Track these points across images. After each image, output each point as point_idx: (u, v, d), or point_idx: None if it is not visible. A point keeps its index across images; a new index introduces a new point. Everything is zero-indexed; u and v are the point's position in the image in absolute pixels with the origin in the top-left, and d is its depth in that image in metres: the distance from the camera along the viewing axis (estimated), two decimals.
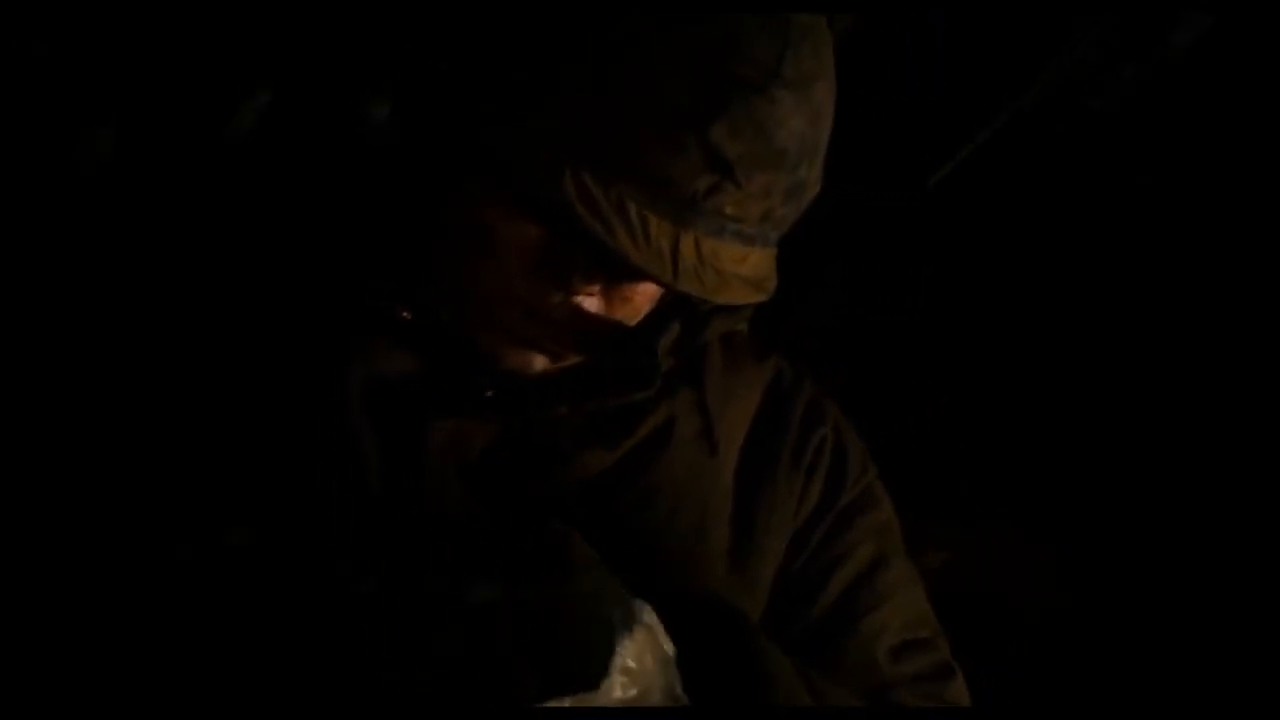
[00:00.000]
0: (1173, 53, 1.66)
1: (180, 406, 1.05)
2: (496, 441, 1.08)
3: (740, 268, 1.00)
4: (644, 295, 1.05)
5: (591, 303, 1.03)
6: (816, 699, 1.05)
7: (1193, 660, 1.77)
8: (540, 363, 1.06)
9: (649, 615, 0.89)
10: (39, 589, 1.00)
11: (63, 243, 1.16)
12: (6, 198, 1.40)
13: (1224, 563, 1.78)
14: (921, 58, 1.65)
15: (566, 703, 0.84)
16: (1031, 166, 1.79)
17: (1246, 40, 1.64)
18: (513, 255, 1.01)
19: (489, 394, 1.08)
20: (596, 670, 0.85)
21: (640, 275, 0.99)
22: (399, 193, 1.09)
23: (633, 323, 1.07)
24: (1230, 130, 1.72)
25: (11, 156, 1.45)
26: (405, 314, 1.07)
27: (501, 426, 1.08)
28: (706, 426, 1.14)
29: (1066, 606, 1.82)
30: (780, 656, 1.05)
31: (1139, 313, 1.84)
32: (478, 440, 1.07)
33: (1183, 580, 1.79)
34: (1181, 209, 1.79)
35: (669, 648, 0.90)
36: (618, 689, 0.86)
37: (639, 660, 0.87)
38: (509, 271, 1.01)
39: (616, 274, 1.02)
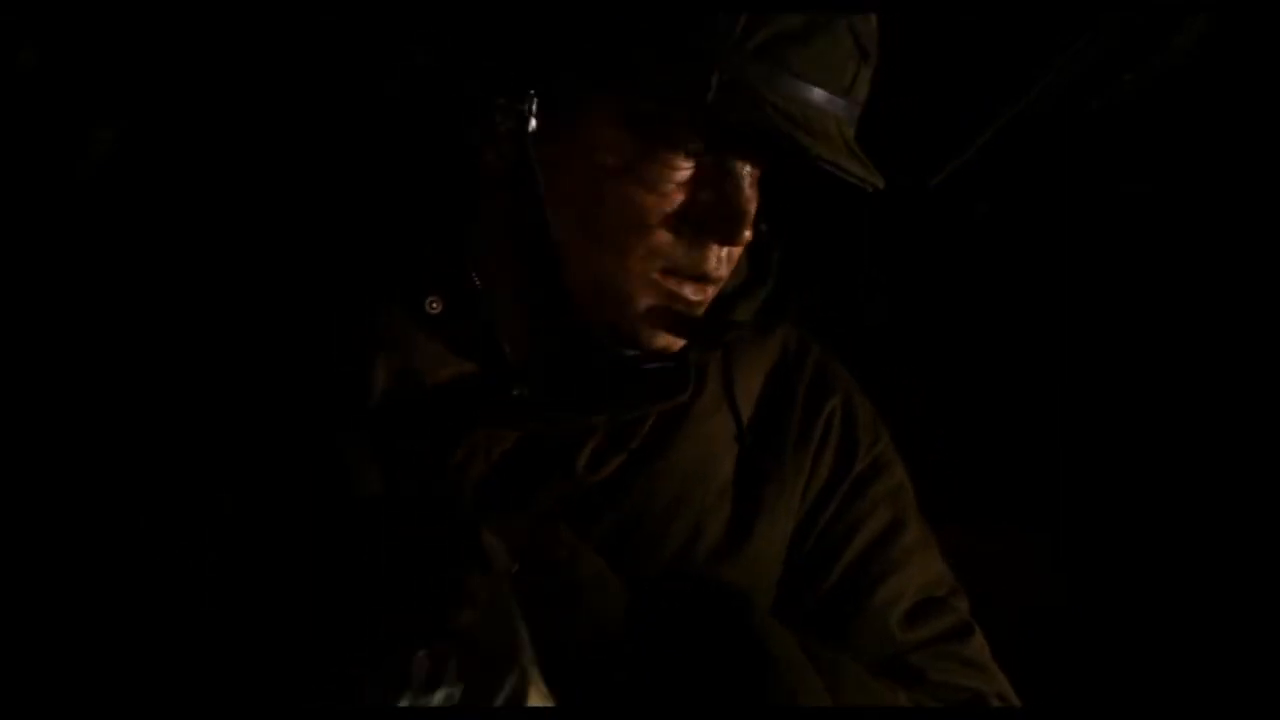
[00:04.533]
0: (1174, 55, 1.66)
1: (186, 419, 1.04)
2: (519, 446, 1.09)
3: (855, 145, 1.05)
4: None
5: (723, 254, 1.06)
6: (827, 675, 1.05)
7: (1189, 654, 1.78)
8: (677, 340, 1.08)
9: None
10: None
11: (63, 244, 1.16)
12: (7, 200, 1.40)
13: (1221, 557, 1.78)
14: (920, 58, 1.65)
15: None
16: (1031, 167, 1.80)
17: (1248, 43, 1.64)
18: (660, 221, 1.03)
19: (517, 393, 1.08)
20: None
21: (811, 180, 1.01)
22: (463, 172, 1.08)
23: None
24: (1230, 134, 1.73)
25: (11, 159, 1.45)
26: (435, 304, 1.08)
27: (527, 430, 1.09)
28: (734, 418, 1.16)
29: (1061, 602, 1.83)
30: (785, 635, 1.05)
31: (1135, 310, 1.84)
32: (502, 444, 1.08)
33: (1179, 573, 1.80)
34: (1180, 210, 1.80)
35: None
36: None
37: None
38: (656, 241, 1.03)
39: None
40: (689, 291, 1.06)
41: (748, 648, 1.01)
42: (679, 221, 1.04)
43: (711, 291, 1.08)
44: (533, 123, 1.02)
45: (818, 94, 1.00)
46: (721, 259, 1.06)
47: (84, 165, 1.43)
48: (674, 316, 1.06)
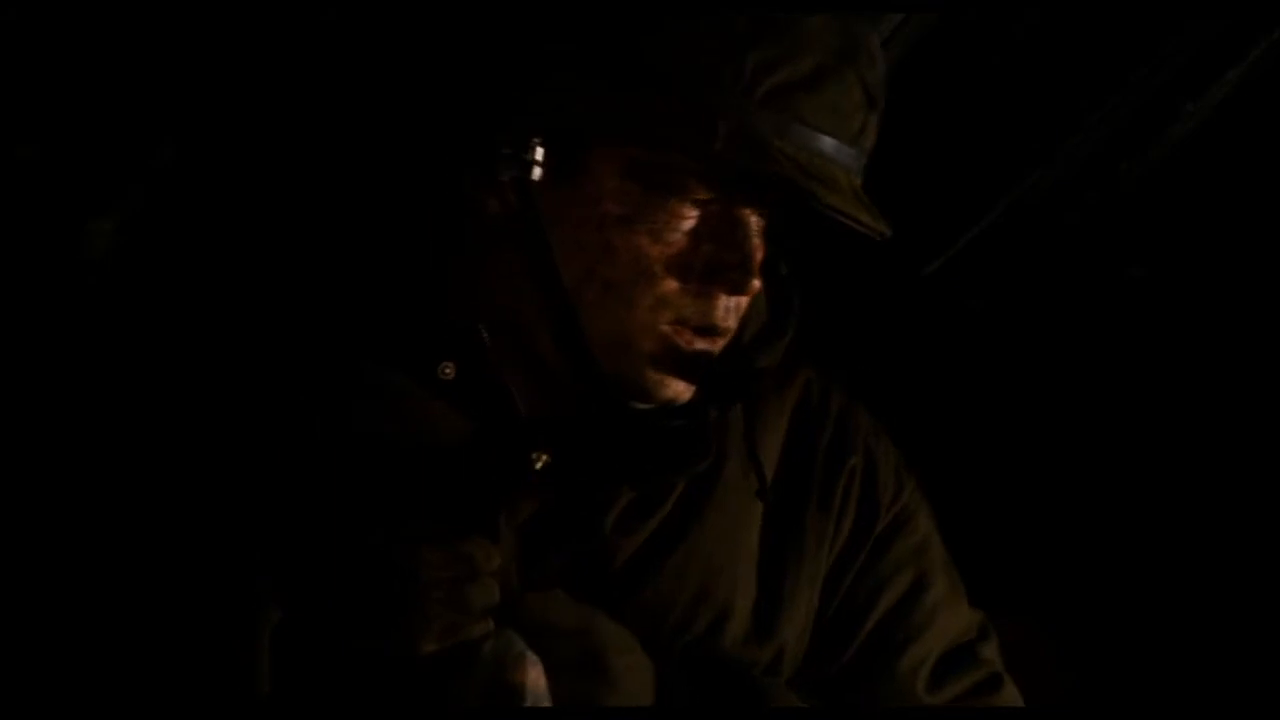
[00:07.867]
0: (1171, 143, 1.67)
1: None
2: (538, 516, 1.07)
3: (862, 194, 1.04)
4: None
5: (731, 305, 1.05)
6: None
7: None
8: (686, 389, 1.06)
9: None
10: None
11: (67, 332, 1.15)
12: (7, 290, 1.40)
13: (1232, 653, 1.76)
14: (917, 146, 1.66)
15: None
16: (1026, 257, 1.80)
17: (1244, 130, 1.66)
18: (667, 271, 1.02)
19: (538, 461, 1.06)
20: None
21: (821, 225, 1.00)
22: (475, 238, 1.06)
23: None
24: (1228, 220, 1.74)
25: (11, 251, 1.44)
26: (448, 370, 1.06)
27: (545, 499, 1.07)
28: (758, 480, 1.15)
29: (1071, 696, 1.80)
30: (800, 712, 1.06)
31: (1138, 405, 1.84)
32: (522, 513, 1.06)
33: (1190, 666, 1.78)
34: (1176, 300, 1.80)
35: None
36: None
37: None
38: (663, 291, 1.02)
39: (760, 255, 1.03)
40: (699, 344, 1.05)
41: None
42: (686, 271, 1.02)
43: (721, 343, 1.06)
44: (537, 171, 1.01)
45: (827, 142, 0.99)
46: (729, 309, 1.05)
47: (84, 257, 1.43)
48: (684, 368, 1.05)
